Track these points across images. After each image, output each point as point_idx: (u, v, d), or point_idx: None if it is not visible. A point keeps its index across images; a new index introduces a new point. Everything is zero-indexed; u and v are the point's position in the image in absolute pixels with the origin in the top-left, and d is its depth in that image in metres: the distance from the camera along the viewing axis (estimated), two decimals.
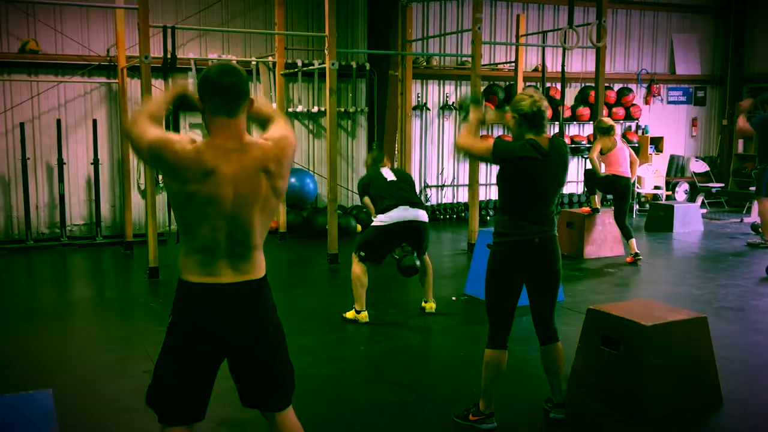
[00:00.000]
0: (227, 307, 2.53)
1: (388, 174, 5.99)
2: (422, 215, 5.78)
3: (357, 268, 5.80)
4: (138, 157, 2.56)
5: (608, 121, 8.41)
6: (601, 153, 8.21)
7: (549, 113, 3.76)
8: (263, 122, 2.77)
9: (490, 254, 3.79)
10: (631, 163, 8.31)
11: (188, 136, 2.51)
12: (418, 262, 5.67)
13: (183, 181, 2.44)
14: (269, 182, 2.54)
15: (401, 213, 5.68)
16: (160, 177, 8.81)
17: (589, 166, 9.39)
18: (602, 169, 8.35)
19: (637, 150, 12.81)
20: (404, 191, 5.84)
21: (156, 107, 2.63)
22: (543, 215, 3.73)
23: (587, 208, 8.72)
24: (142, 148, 2.49)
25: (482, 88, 10.54)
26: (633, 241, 8.22)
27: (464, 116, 3.91)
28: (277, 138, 2.61)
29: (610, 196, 11.97)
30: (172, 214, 9.40)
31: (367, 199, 6.01)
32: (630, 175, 8.23)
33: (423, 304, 6.15)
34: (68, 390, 4.29)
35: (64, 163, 9.19)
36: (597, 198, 8.66)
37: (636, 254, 8.18)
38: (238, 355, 2.60)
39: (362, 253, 5.79)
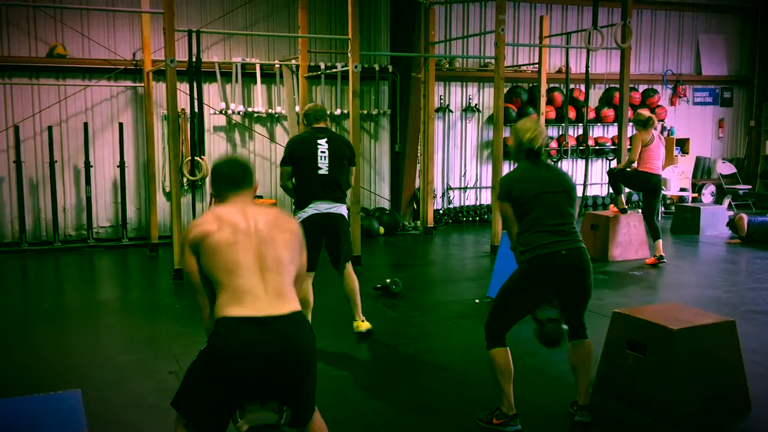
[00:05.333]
0: (265, 342, 2.52)
1: (323, 148, 5.15)
2: (342, 209, 5.24)
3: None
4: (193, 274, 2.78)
5: (646, 113, 8.23)
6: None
7: (545, 142, 3.92)
8: None
9: (518, 269, 3.80)
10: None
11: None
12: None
13: (204, 237, 2.65)
14: (282, 240, 2.74)
15: (312, 212, 5.13)
16: (184, 180, 8.92)
17: (614, 164, 9.32)
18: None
19: None
20: (330, 185, 5.18)
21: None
22: (562, 227, 3.74)
23: (615, 209, 8.61)
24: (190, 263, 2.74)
25: (505, 90, 10.50)
26: (660, 242, 8.10)
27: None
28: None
29: (635, 197, 11.94)
30: (196, 216, 9.49)
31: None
32: (661, 172, 8.13)
33: (355, 325, 5.49)
34: (96, 390, 4.34)
35: (91, 166, 9.30)
36: (623, 197, 8.54)
37: (660, 257, 8.08)
38: (278, 388, 2.59)
39: None
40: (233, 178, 2.85)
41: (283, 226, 2.77)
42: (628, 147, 8.95)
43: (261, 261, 2.60)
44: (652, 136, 7.98)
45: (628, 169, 8.19)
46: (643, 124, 8.03)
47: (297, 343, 2.56)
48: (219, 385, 2.53)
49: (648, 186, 8.10)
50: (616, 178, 8.43)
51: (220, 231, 2.63)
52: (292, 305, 2.61)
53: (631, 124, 9.22)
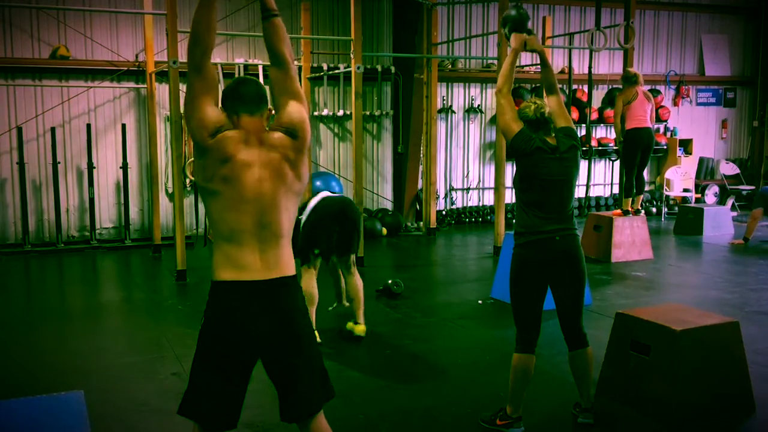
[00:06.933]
0: (258, 308, 2.55)
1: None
2: (348, 200, 5.32)
3: (303, 281, 5.09)
4: (184, 113, 2.65)
5: (633, 70, 8.48)
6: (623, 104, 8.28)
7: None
8: (282, 91, 2.76)
9: (513, 257, 3.80)
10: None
11: (227, 122, 2.62)
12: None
13: (206, 163, 2.57)
14: (291, 168, 2.64)
15: (323, 196, 5.18)
16: (187, 181, 8.93)
17: (617, 165, 9.38)
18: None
19: (665, 152, 12.69)
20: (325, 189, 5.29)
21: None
22: (560, 213, 3.74)
23: (618, 211, 8.63)
24: (192, 120, 2.58)
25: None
26: (641, 197, 8.59)
27: (507, 37, 4.06)
28: (295, 126, 2.69)
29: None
30: (199, 217, 9.51)
31: None
32: (650, 125, 8.30)
33: (350, 325, 5.46)
34: (99, 391, 4.34)
35: (94, 167, 9.32)
36: (629, 201, 8.61)
37: (638, 210, 8.51)
38: (271, 357, 2.61)
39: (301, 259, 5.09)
40: (245, 97, 2.66)
41: (284, 164, 2.62)
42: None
43: (259, 209, 2.57)
44: (635, 93, 8.17)
45: (623, 138, 8.32)
46: (628, 80, 8.24)
47: (287, 311, 2.59)
48: (216, 358, 2.54)
49: (642, 141, 8.21)
50: (628, 172, 8.43)
51: (223, 169, 2.54)
52: (286, 268, 2.62)
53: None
